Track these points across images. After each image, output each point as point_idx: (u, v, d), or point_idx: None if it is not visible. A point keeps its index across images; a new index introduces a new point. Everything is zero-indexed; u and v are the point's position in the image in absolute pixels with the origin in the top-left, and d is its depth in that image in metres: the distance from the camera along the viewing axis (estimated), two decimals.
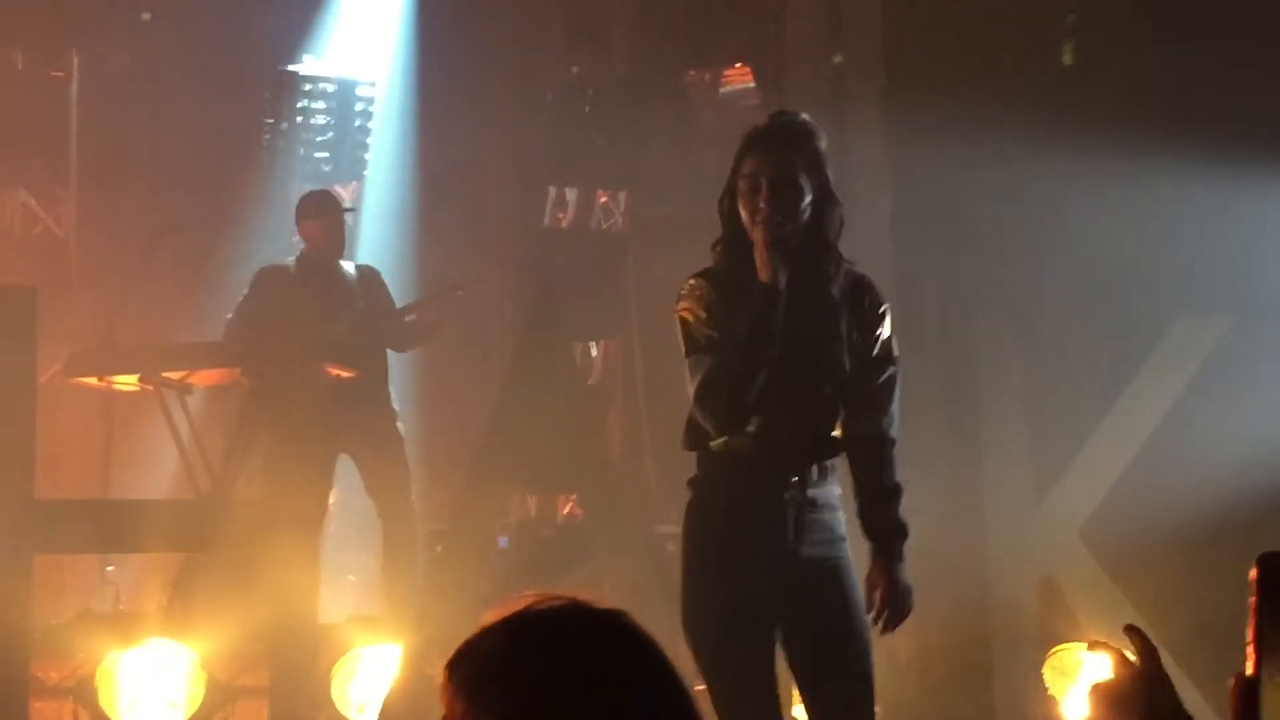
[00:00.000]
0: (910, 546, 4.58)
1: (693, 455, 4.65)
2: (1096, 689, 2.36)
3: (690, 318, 4.51)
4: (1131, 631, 2.46)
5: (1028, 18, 8.65)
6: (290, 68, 10.32)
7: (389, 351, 8.70)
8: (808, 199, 4.51)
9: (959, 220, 8.36)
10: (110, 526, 7.67)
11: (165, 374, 8.27)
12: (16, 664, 6.95)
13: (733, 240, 4.56)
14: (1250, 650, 1.22)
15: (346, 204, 9.28)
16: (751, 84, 10.64)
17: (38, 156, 10.14)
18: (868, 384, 4.61)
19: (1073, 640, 7.57)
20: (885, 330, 4.65)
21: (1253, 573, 1.22)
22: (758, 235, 4.49)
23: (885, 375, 4.64)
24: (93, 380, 8.47)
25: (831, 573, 4.51)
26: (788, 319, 4.47)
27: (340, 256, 8.69)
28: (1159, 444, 7.83)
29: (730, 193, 4.59)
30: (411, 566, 8.44)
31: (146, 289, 8.90)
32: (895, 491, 4.59)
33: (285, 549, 7.38)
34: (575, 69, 10.58)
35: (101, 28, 10.23)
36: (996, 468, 8.17)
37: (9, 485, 6.99)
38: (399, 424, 8.61)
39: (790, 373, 4.49)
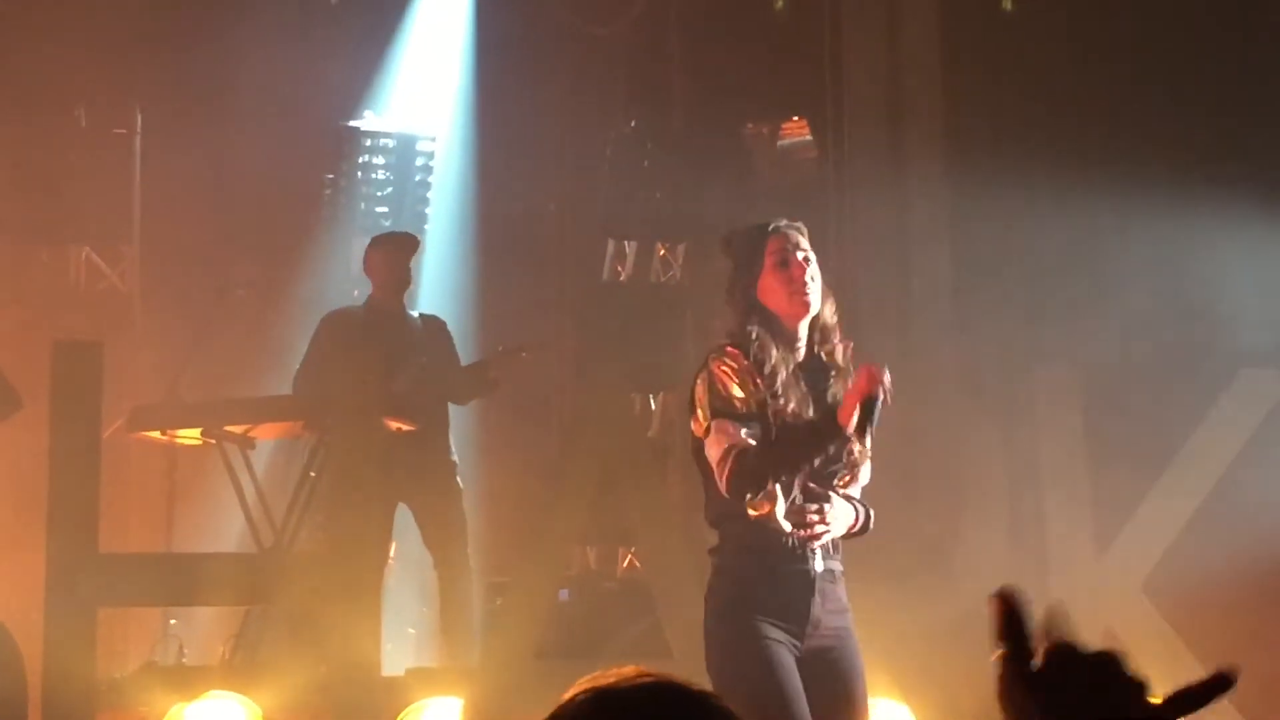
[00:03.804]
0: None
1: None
2: None
3: (720, 385, 4.67)
4: None
5: (1086, 69, 8.65)
6: (351, 123, 10.40)
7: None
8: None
9: (1019, 273, 8.35)
10: (173, 580, 7.70)
11: (228, 428, 8.33)
12: (82, 717, 6.98)
13: (758, 319, 4.75)
14: None
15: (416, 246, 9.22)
16: (809, 136, 10.66)
17: (102, 213, 10.21)
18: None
19: None
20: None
21: None
22: (797, 314, 4.74)
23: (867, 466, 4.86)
24: (156, 434, 8.53)
25: (845, 639, 4.75)
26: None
27: (403, 293, 8.72)
28: (1223, 496, 7.78)
29: (747, 280, 4.78)
30: (469, 618, 8.43)
31: (209, 344, 8.97)
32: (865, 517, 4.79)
33: (347, 602, 7.39)
34: (633, 122, 10.62)
35: (164, 85, 10.32)
36: (1058, 520, 8.12)
37: (74, 539, 7.04)
38: (458, 476, 8.63)
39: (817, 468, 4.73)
